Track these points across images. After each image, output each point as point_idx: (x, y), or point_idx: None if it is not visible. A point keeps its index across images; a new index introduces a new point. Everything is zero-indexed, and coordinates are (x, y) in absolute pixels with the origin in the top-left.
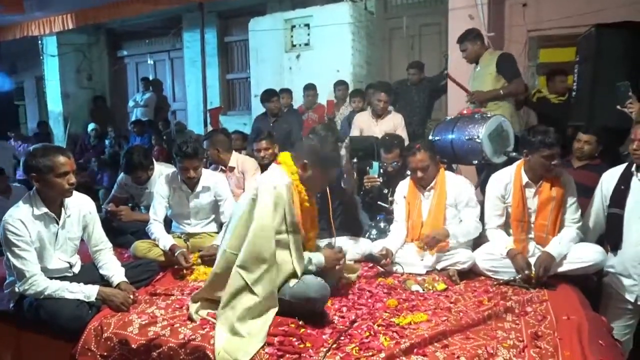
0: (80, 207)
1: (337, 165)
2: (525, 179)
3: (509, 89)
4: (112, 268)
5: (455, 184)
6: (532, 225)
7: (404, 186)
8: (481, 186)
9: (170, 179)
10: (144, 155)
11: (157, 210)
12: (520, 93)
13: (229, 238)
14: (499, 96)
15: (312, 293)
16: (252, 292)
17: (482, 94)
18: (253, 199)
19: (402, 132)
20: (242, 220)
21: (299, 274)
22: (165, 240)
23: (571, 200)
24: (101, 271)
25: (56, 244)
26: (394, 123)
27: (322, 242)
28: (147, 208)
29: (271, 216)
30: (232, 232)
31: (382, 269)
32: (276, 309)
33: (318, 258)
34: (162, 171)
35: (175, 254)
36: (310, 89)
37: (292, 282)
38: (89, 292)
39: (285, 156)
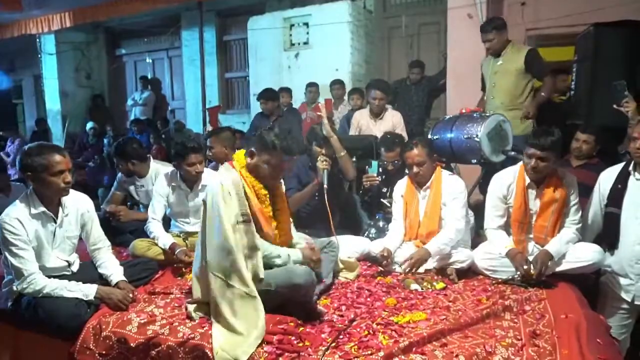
0: (78, 205)
1: (283, 149)
2: (528, 179)
3: (548, 89)
4: (111, 267)
5: (449, 183)
6: (533, 226)
7: (401, 185)
8: (480, 185)
9: (169, 178)
10: (132, 145)
11: (156, 209)
12: None
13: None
14: (544, 99)
15: (297, 279)
16: (231, 286)
17: (532, 105)
18: (204, 201)
19: (402, 132)
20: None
21: (247, 261)
22: (165, 239)
23: (573, 202)
24: (100, 270)
25: (54, 243)
26: (393, 122)
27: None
28: (146, 207)
29: (221, 211)
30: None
31: (382, 269)
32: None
33: (297, 255)
34: (158, 169)
35: (176, 252)
36: (312, 85)
37: (273, 270)
38: (87, 290)
39: (239, 153)
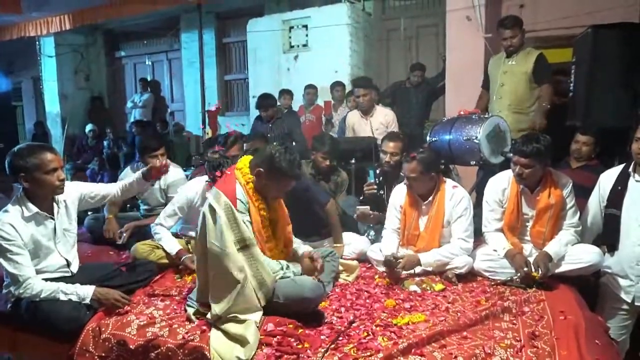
0: (67, 195)
1: (292, 176)
2: (521, 185)
3: (548, 97)
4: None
5: (453, 199)
6: (529, 232)
7: (400, 193)
8: (478, 187)
9: (203, 190)
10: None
11: (169, 222)
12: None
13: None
14: (547, 108)
15: (307, 292)
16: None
17: (539, 117)
18: (204, 214)
19: (395, 130)
20: (200, 235)
21: (257, 292)
22: (172, 245)
23: (569, 205)
24: (129, 183)
25: (56, 239)
26: (386, 120)
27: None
28: (145, 203)
29: (224, 237)
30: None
31: (384, 272)
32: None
33: (295, 268)
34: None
35: (182, 259)
36: (310, 87)
37: (283, 282)
38: (84, 293)
39: (242, 161)
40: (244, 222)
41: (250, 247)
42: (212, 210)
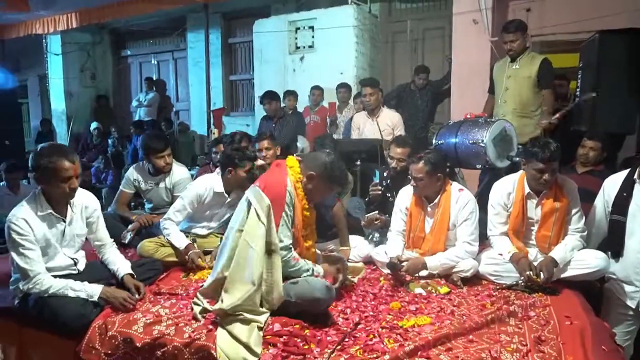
0: (83, 203)
1: (341, 185)
2: (527, 189)
3: (550, 103)
4: (118, 262)
5: (459, 202)
6: (534, 236)
7: (406, 195)
8: (482, 191)
9: (212, 184)
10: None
11: (178, 217)
12: None
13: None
14: (550, 112)
15: (318, 293)
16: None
17: (548, 120)
18: (247, 208)
19: (401, 133)
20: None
21: (265, 296)
22: (181, 240)
23: (575, 209)
24: (108, 266)
25: (63, 241)
26: (392, 121)
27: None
28: (150, 202)
29: (257, 236)
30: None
31: (389, 273)
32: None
33: (318, 270)
34: (173, 169)
35: (189, 253)
36: (316, 89)
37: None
38: (92, 291)
39: (292, 161)
40: (289, 216)
41: (273, 254)
42: (254, 209)
